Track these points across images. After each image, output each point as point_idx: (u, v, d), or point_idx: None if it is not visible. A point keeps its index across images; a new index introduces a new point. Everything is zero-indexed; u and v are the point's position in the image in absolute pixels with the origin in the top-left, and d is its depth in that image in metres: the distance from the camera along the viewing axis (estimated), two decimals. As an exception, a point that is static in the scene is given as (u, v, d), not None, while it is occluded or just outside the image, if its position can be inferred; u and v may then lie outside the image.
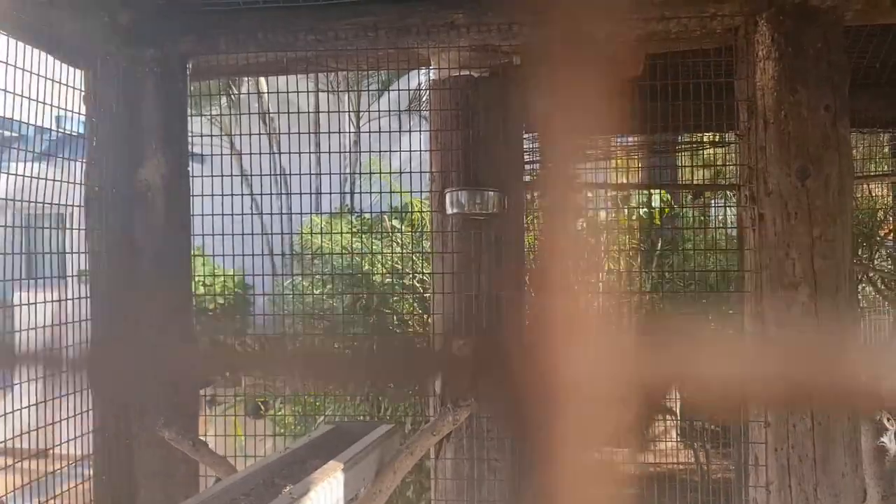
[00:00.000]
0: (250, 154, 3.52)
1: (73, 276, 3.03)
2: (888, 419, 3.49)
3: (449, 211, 3.12)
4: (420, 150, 3.37)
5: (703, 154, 5.63)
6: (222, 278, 3.95)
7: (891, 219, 5.58)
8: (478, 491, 3.15)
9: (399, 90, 4.87)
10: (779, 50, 2.80)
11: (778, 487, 2.73)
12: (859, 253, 5.08)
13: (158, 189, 3.05)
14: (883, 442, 3.43)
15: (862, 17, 2.98)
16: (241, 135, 3.83)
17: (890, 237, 5.67)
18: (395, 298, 4.62)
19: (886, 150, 5.81)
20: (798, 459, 2.69)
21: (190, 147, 3.26)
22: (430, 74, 3.26)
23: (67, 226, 3.03)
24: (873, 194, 5.75)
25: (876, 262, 5.40)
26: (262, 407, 4.95)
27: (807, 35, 2.79)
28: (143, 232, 3.04)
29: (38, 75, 2.67)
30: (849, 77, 2.86)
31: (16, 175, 2.64)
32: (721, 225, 5.06)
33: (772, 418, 2.75)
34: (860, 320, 4.74)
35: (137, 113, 3.06)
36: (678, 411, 6.39)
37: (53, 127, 2.91)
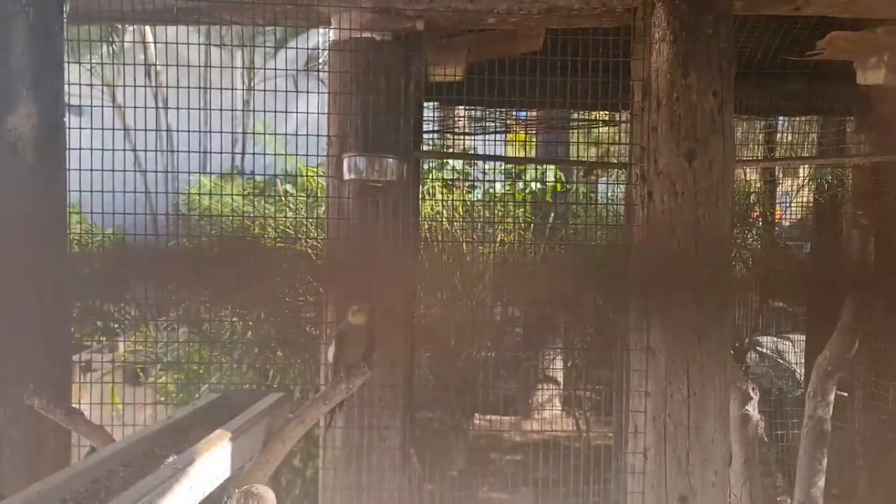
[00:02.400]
0: (133, 108, 3.32)
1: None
2: (753, 389, 3.74)
3: (346, 177, 3.06)
4: (317, 113, 3.27)
5: (598, 132, 5.78)
6: (100, 237, 3.72)
7: (761, 202, 5.94)
8: (367, 459, 3.15)
9: (297, 49, 4.70)
10: (674, 33, 2.89)
11: (654, 454, 2.87)
12: (734, 233, 5.38)
13: (29, 140, 2.81)
14: (748, 410, 3.68)
15: (749, 6, 3.12)
16: (123, 86, 3.58)
17: (759, 220, 6.04)
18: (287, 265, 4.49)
19: (760, 136, 6.17)
20: (674, 427, 2.84)
21: (67, 97, 3.03)
22: (330, 35, 3.15)
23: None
24: (747, 178, 6.10)
25: (748, 242, 5.76)
26: (141, 374, 4.72)
27: (700, 21, 2.89)
28: (11, 186, 2.80)
29: None
30: (735, 64, 2.99)
31: None
32: (610, 201, 5.22)
33: (652, 388, 2.88)
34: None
35: (7, 55, 2.81)
36: (562, 380, 6.63)
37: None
